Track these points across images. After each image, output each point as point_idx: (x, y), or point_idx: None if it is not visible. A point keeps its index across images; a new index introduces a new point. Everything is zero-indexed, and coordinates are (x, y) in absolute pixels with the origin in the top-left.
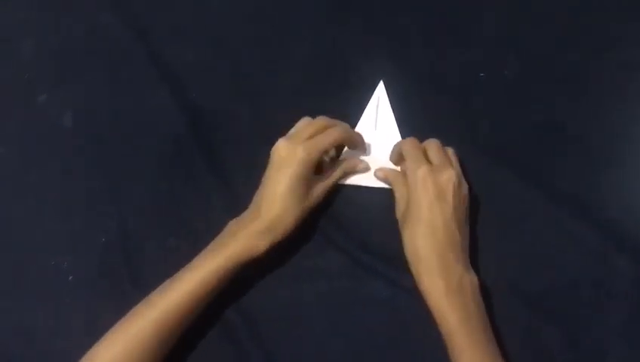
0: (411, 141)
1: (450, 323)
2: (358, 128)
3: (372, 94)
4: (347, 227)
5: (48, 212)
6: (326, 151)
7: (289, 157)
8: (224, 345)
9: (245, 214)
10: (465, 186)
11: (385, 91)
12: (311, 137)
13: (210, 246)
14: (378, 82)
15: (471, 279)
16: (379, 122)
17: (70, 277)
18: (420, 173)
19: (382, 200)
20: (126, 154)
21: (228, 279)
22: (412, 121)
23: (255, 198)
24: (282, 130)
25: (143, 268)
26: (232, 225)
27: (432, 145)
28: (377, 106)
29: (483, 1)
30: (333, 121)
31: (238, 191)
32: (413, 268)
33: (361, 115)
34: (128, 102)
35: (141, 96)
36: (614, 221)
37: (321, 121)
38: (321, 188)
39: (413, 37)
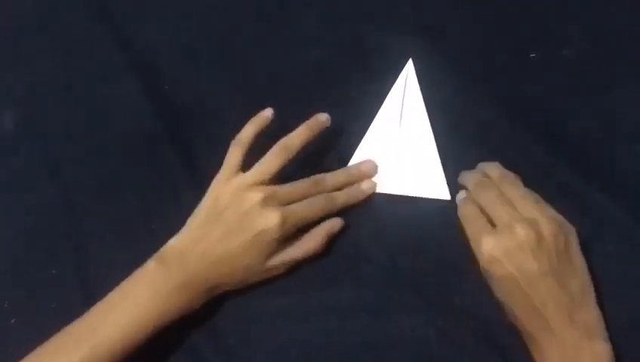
0: (465, 200)
1: None
2: (380, 115)
3: (396, 79)
4: (366, 250)
5: None
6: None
7: (258, 218)
8: None
9: (184, 252)
10: (555, 227)
11: (414, 71)
12: (291, 201)
13: (137, 290)
14: (404, 63)
15: (592, 348)
16: (405, 108)
17: (13, 321)
18: (485, 249)
19: (411, 214)
20: (83, 160)
21: (157, 333)
22: (442, 111)
23: (194, 233)
24: (279, 132)
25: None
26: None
27: (495, 181)
28: (404, 88)
29: None
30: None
31: None
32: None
33: (380, 105)
34: (86, 95)
35: (103, 87)
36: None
37: (306, 183)
38: (278, 260)
39: (446, 6)
